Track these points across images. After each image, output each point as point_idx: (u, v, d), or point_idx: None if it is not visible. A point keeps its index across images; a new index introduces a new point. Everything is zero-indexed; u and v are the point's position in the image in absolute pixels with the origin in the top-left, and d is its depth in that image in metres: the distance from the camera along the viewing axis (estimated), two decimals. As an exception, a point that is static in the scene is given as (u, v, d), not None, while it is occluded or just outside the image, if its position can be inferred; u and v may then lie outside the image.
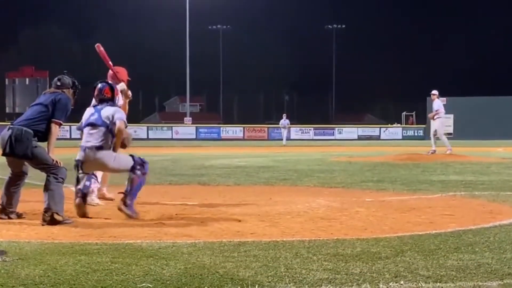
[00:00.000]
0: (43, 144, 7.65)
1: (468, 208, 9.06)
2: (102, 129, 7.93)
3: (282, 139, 44.66)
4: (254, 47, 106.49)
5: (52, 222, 7.29)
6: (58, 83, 7.88)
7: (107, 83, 8.47)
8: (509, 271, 5.06)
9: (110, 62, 9.37)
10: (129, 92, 9.48)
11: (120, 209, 7.85)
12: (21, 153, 7.51)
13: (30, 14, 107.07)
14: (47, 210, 7.36)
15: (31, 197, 8.71)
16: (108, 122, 7.94)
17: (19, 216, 7.82)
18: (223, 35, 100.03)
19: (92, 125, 8.00)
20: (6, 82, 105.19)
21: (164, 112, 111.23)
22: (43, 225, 7.28)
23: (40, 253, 5.63)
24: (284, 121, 44.38)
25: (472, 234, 6.74)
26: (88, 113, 8.19)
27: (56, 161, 7.55)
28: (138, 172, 7.96)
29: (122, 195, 7.92)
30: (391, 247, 5.98)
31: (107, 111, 8.02)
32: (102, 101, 8.14)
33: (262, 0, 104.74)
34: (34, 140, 7.51)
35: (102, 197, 9.41)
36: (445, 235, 6.69)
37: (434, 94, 23.17)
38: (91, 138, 7.95)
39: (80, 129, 8.25)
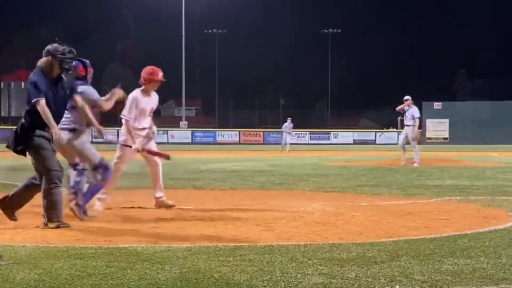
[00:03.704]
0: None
1: (463, 212, 9.06)
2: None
3: (281, 144, 41.05)
4: (250, 51, 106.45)
5: (48, 226, 7.29)
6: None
7: (81, 61, 8.65)
8: (505, 276, 5.06)
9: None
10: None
11: (71, 209, 8.01)
12: (19, 147, 7.36)
13: (25, 17, 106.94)
14: (44, 215, 7.35)
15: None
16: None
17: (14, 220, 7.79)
18: (219, 39, 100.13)
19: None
20: (2, 86, 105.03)
21: (159, 116, 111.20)
22: (43, 228, 7.26)
23: (35, 257, 5.61)
24: (289, 124, 40.97)
25: (467, 239, 6.74)
26: None
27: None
28: (99, 176, 8.13)
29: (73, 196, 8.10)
30: (386, 252, 5.98)
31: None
32: (77, 78, 8.38)
33: (257, 4, 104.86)
34: (35, 132, 7.32)
35: (162, 204, 9.33)
36: (440, 239, 6.69)
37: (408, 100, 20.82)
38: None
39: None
